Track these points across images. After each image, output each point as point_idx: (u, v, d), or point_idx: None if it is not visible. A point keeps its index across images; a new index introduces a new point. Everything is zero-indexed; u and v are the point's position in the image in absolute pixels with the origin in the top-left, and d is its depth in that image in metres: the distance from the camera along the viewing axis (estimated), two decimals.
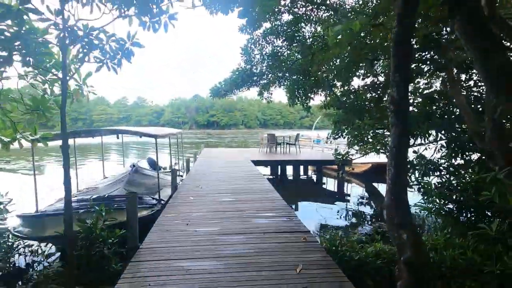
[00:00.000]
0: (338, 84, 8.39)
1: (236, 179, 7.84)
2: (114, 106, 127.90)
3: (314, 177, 14.05)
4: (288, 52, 8.57)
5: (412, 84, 6.32)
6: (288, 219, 4.89)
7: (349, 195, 11.17)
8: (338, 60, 6.94)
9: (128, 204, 4.29)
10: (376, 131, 7.17)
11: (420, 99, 6.19)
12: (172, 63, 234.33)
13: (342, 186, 12.60)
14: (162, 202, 6.14)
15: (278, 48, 8.07)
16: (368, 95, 7.38)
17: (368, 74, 7.32)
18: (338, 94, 8.32)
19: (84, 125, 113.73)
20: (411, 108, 6.36)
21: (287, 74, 8.92)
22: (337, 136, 8.26)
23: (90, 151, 28.05)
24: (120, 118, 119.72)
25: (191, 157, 13.52)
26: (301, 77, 9.05)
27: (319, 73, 7.88)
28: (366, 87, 7.39)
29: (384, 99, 6.96)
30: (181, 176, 9.09)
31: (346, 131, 7.82)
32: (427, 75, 6.14)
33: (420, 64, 5.77)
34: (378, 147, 7.13)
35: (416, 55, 5.44)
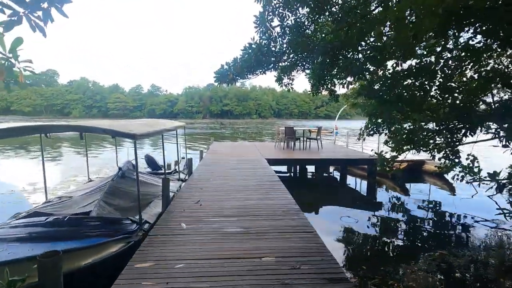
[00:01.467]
0: (371, 67, 6.91)
1: (248, 190, 6.11)
2: (128, 94, 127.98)
3: (337, 175, 12.24)
4: (315, 26, 6.71)
5: None
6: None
7: (383, 201, 9.37)
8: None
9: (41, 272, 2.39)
10: (427, 128, 5.57)
11: None
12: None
13: (373, 188, 10.77)
14: (146, 227, 4.49)
15: (303, 19, 6.22)
16: (406, 82, 5.79)
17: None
18: (372, 79, 6.76)
19: (99, 113, 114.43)
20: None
21: (312, 54, 7.06)
22: (372, 132, 6.62)
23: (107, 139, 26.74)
24: (134, 107, 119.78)
25: (197, 153, 11.90)
26: (329, 58, 7.24)
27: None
28: (407, 71, 5.71)
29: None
30: (182, 180, 7.45)
31: (383, 125, 6.27)
32: None
33: None
34: (430, 148, 5.46)
35: None
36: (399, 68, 6.12)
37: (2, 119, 78.86)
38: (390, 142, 6.66)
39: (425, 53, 5.42)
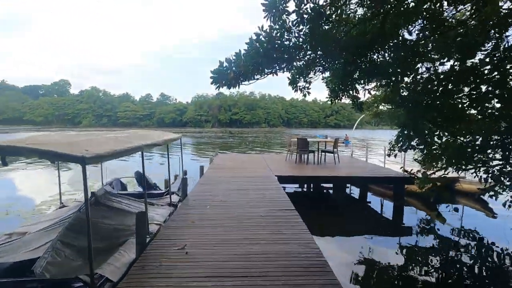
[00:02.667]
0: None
1: (255, 226, 4.65)
2: (138, 103, 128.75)
3: (355, 192, 10.74)
4: (339, 14, 5.37)
5: None
6: None
7: (410, 225, 7.88)
8: None
9: None
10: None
11: None
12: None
13: (400, 210, 9.23)
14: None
15: (325, 4, 4.91)
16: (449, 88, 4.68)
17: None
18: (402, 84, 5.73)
19: (109, 122, 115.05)
20: None
21: (334, 51, 5.72)
22: (404, 147, 5.48)
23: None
24: (144, 115, 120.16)
25: (201, 164, 10.56)
26: (354, 57, 5.95)
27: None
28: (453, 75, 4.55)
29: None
30: (173, 206, 6.05)
31: (416, 139, 5.15)
32: None
33: None
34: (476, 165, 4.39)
35: None
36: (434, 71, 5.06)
37: (15, 129, 79.49)
38: (425, 158, 5.60)
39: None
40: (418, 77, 5.71)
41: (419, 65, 5.39)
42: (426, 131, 5.42)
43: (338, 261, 5.54)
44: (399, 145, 5.88)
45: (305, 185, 11.01)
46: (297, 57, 5.73)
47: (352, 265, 5.47)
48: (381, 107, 9.96)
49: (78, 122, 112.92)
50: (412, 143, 5.67)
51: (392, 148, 6.20)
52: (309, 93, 6.54)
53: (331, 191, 10.73)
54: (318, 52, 5.75)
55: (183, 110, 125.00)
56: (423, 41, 5.27)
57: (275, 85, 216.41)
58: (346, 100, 7.53)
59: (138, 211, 3.80)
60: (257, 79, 5.66)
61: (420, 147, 5.77)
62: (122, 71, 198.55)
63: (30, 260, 3.72)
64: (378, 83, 7.45)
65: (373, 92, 7.49)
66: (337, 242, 6.66)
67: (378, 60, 6.19)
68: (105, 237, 4.34)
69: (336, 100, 7.62)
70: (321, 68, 6.18)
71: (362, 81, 6.78)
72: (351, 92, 7.21)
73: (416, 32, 5.16)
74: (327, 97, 7.40)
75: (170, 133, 6.92)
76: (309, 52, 5.73)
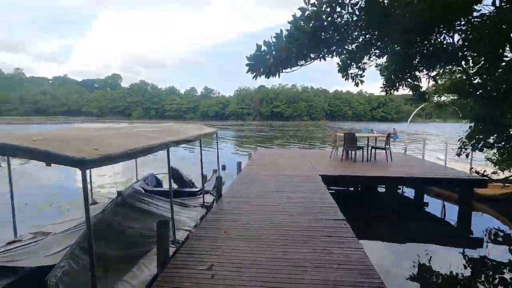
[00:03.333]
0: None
1: (298, 241, 3.88)
2: (184, 96, 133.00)
3: (408, 192, 9.49)
4: None
5: None
6: None
7: (481, 234, 6.64)
8: None
9: None
10: None
11: None
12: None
13: (467, 217, 7.93)
14: None
15: None
16: None
17: None
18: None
19: (156, 114, 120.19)
20: None
21: (393, 32, 4.74)
22: (479, 145, 4.57)
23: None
24: (188, 108, 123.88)
25: (240, 159, 10.03)
26: (415, 40, 5.04)
27: None
28: None
29: None
30: (206, 208, 5.52)
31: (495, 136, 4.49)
32: None
33: None
34: None
35: None
36: None
37: (75, 119, 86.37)
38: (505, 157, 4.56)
39: None
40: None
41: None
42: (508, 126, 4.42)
43: (389, 269, 4.69)
44: (471, 142, 4.96)
45: (352, 188, 10.02)
46: (350, 39, 4.84)
47: (406, 275, 4.59)
48: (443, 98, 8.63)
49: (128, 114, 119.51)
50: (489, 140, 4.86)
51: (462, 146, 5.20)
52: (362, 81, 5.60)
53: (379, 190, 9.62)
54: (375, 32, 4.83)
55: (226, 104, 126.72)
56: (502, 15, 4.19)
57: (318, 78, 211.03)
58: (401, 91, 6.51)
59: (160, 219, 3.25)
60: (301, 65, 4.86)
61: (499, 144, 4.76)
62: (168, 65, 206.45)
63: (49, 267, 3.38)
64: (442, 70, 6.32)
65: (433, 81, 6.42)
66: (389, 249, 5.76)
67: (445, 42, 5.24)
68: (127, 243, 3.91)
69: (392, 91, 6.60)
70: (377, 51, 5.23)
71: (424, 67, 5.76)
72: (409, 80, 6.17)
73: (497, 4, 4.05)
74: (381, 87, 6.38)
75: (206, 127, 6.40)
76: (364, 32, 4.82)
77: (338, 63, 5.28)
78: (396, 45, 5.14)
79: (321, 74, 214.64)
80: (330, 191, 6.53)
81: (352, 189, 9.74)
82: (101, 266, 3.56)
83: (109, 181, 10.07)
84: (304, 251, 3.57)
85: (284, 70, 4.67)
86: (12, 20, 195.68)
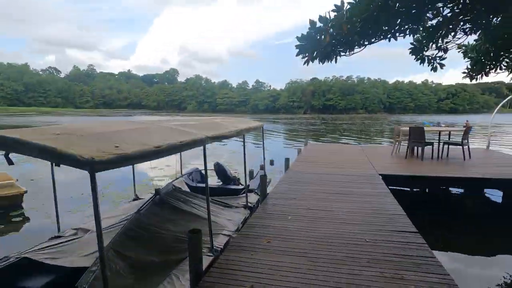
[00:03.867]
0: None
1: (358, 261, 3.19)
2: (235, 90, 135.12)
3: (494, 195, 7.95)
4: None
5: None
6: None
7: None
8: None
9: None
10: None
11: None
12: None
13: None
14: None
15: None
16: None
17: None
18: None
19: (209, 108, 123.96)
20: None
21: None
22: None
23: None
24: (240, 101, 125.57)
25: (289, 154, 9.39)
26: None
27: None
28: None
29: None
30: (250, 207, 5.00)
31: None
32: None
33: None
34: None
35: None
36: None
37: (135, 112, 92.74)
38: None
39: None
40: None
41: None
42: None
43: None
44: None
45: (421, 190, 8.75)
46: (431, 12, 3.89)
47: None
48: None
49: (183, 108, 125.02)
50: None
51: None
52: (442, 65, 4.55)
53: (453, 191, 8.24)
54: (466, 1, 3.80)
55: (277, 97, 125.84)
56: None
57: (376, 68, 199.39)
58: (489, 78, 5.36)
59: (191, 228, 2.78)
60: (365, 45, 4.03)
61: None
62: (222, 60, 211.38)
63: (84, 268, 3.13)
64: None
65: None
66: (475, 264, 4.70)
67: None
68: (163, 248, 3.53)
69: (479, 77, 5.45)
70: (467, 26, 4.15)
71: None
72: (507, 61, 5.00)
73: None
74: (464, 72, 5.26)
75: (251, 121, 5.85)
76: (450, 5, 3.82)
77: (412, 43, 4.32)
78: (495, 18, 4.03)
79: (380, 64, 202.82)
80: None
81: (417, 189, 8.52)
82: (132, 273, 3.23)
83: (165, 173, 10.13)
84: (367, 274, 2.84)
85: (342, 54, 3.90)
86: (88, 20, 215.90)
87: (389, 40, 3.92)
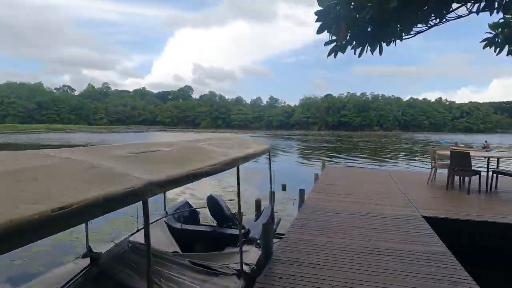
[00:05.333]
0: None
1: None
2: (250, 106, 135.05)
3: None
4: None
5: None
6: None
7: None
8: None
9: None
10: None
11: None
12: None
13: None
14: None
15: None
16: None
17: None
18: None
19: (223, 124, 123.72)
20: None
21: None
22: None
23: None
24: (254, 118, 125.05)
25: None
26: None
27: None
28: None
29: None
30: (246, 273, 3.45)
31: None
32: None
33: None
34: None
35: None
36: None
37: (150, 128, 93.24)
38: None
39: None
40: None
41: None
42: None
43: None
44: None
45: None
46: None
47: None
48: None
49: (197, 124, 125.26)
50: None
51: None
52: None
53: None
54: None
55: (291, 113, 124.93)
56: None
57: (390, 85, 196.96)
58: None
59: None
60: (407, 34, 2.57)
61: None
62: (236, 77, 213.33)
63: None
64: None
65: None
66: None
67: None
68: None
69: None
70: None
71: None
72: None
73: None
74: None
75: (254, 143, 4.45)
76: None
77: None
78: None
79: (392, 81, 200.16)
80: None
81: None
82: None
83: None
84: None
85: (389, 40, 2.48)
86: (104, 41, 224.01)
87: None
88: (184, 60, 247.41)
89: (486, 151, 27.37)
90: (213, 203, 5.21)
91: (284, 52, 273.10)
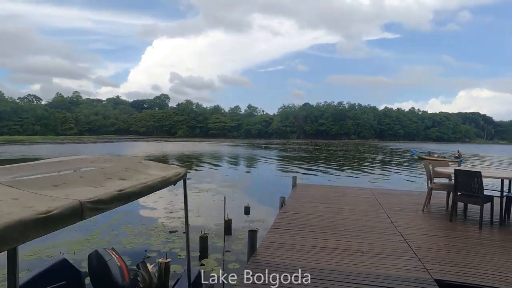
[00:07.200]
0: None
1: None
2: (227, 114, 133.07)
3: None
4: None
5: None
6: None
7: None
8: None
9: None
10: None
11: None
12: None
13: None
14: None
15: None
16: None
17: None
18: None
19: (201, 133, 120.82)
20: None
21: None
22: None
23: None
24: (232, 127, 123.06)
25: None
26: None
27: None
28: None
29: None
30: None
31: None
32: None
33: None
34: None
35: None
36: None
37: (122, 138, 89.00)
38: None
39: None
40: None
41: None
42: None
43: None
44: None
45: None
46: None
47: None
48: None
49: (174, 133, 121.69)
50: None
51: None
52: None
53: None
54: None
55: (269, 121, 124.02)
56: None
57: (364, 94, 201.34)
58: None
59: None
60: None
61: None
62: (214, 86, 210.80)
63: None
64: None
65: None
66: None
67: None
68: None
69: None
70: None
71: None
72: None
73: None
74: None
75: (171, 167, 2.50)
76: None
77: None
78: None
79: (369, 91, 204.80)
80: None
81: None
82: None
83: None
84: None
85: None
86: (77, 50, 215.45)
87: None
88: (161, 69, 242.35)
89: (460, 160, 26.63)
90: (99, 263, 3.14)
91: (262, 61, 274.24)
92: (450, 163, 25.10)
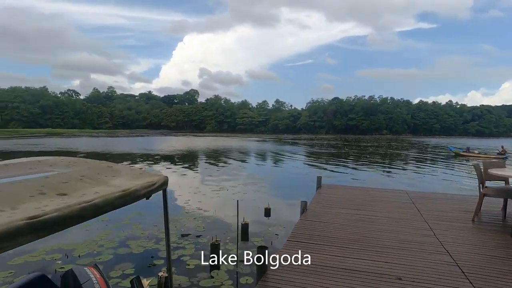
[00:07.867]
0: None
1: None
2: (255, 109, 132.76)
3: None
4: None
5: None
6: None
7: None
8: None
9: None
10: None
11: None
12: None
13: None
14: None
15: None
16: None
17: None
18: None
19: (229, 128, 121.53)
20: None
21: None
22: None
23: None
24: (259, 122, 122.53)
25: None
26: None
27: None
28: None
29: None
30: None
31: None
32: None
33: None
34: None
35: None
36: None
37: (153, 132, 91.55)
38: None
39: None
40: None
41: None
42: None
43: None
44: None
45: None
46: None
47: None
48: None
49: (202, 128, 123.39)
50: None
51: None
52: None
53: None
54: None
55: (297, 116, 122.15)
56: None
57: (397, 88, 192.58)
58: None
59: None
60: None
61: None
62: (243, 81, 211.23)
63: None
64: None
65: None
66: None
67: None
68: None
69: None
70: None
71: None
72: None
73: None
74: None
75: (137, 171, 1.92)
76: None
77: None
78: None
79: (401, 84, 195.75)
80: None
81: None
82: None
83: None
84: None
85: None
86: (112, 46, 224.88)
87: None
88: (191, 65, 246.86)
89: (504, 157, 23.72)
90: (74, 282, 2.63)
91: (290, 56, 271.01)
92: (492, 157, 22.90)
